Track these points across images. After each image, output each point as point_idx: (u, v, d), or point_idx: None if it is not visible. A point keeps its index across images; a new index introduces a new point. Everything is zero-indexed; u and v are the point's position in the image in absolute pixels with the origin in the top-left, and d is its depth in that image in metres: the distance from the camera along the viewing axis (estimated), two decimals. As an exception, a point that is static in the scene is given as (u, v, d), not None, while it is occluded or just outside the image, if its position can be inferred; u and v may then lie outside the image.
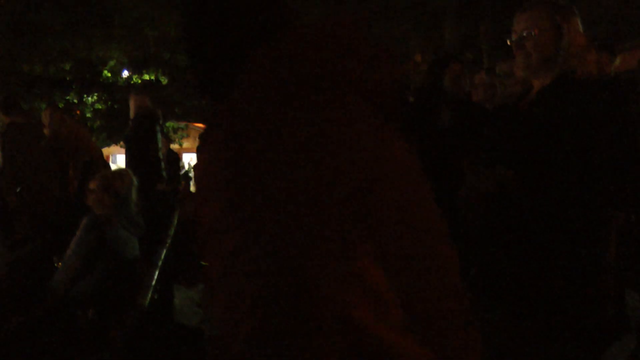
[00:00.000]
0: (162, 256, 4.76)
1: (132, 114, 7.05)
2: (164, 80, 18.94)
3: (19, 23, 16.09)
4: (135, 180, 4.59)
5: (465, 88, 4.43)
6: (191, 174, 17.52)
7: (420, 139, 4.13)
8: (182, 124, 21.30)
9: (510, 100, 2.49)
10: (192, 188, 11.37)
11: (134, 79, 18.70)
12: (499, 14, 15.90)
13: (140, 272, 4.23)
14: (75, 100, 18.08)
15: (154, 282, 3.54)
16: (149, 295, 3.23)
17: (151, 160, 6.79)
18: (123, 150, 16.22)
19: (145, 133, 6.87)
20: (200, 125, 22.42)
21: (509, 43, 2.26)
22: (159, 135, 7.11)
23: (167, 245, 5.29)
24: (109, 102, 18.51)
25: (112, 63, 18.24)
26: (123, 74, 18.82)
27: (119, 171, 4.52)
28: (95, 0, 16.13)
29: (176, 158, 9.96)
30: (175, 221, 6.52)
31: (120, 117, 17.35)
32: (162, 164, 6.93)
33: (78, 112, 17.48)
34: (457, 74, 4.28)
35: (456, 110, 4.15)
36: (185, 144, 22.19)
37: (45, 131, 6.41)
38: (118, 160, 24.20)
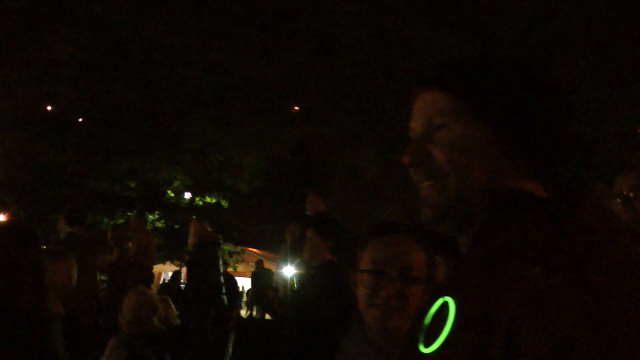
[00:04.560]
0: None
1: (191, 238, 7.16)
2: (225, 205, 19.34)
3: (92, 142, 16.84)
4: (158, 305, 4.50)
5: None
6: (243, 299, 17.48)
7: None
8: (238, 249, 21.47)
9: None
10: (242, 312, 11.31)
11: (196, 201, 19.14)
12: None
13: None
14: (137, 218, 18.52)
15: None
16: None
17: (212, 285, 6.83)
18: (175, 268, 16.26)
19: (207, 259, 6.96)
20: (256, 250, 22.55)
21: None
22: (220, 261, 7.20)
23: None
24: (169, 222, 18.89)
25: (175, 184, 18.78)
26: (185, 195, 19.31)
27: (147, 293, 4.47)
28: (165, 125, 16.87)
29: (234, 282, 9.98)
30: (231, 350, 6.45)
31: (178, 237, 17.66)
32: (223, 288, 6.96)
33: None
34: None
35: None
36: (240, 269, 22.26)
37: (114, 247, 6.57)
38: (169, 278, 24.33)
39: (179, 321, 5.27)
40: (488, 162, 1.12)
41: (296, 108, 16.80)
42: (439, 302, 1.15)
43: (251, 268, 17.66)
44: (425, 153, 1.15)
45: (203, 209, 18.43)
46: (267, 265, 17.52)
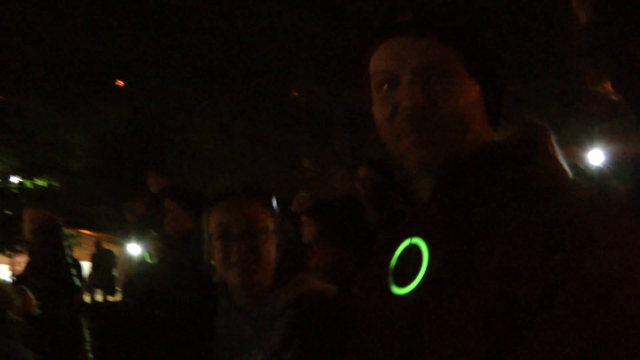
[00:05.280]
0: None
1: (28, 226, 6.74)
2: (57, 186, 18.42)
3: None
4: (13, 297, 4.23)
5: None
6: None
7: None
8: (73, 232, 20.60)
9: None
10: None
11: (26, 185, 18.08)
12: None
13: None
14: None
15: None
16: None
17: (60, 270, 6.50)
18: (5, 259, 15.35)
19: (51, 244, 6.60)
20: (91, 232, 21.73)
21: None
22: (65, 243, 6.88)
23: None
24: (-3, 209, 17.75)
25: (1, 168, 17.63)
26: (13, 179, 18.20)
27: None
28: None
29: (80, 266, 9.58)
30: (88, 336, 6.19)
31: (9, 225, 16.60)
32: (73, 270, 6.65)
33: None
34: (364, 176, 4.50)
35: (380, 211, 4.25)
36: (76, 253, 21.34)
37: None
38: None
39: (38, 311, 4.97)
40: (479, 114, 1.14)
41: (121, 83, 16.22)
42: (404, 244, 1.17)
43: (87, 251, 17.01)
44: (429, 99, 1.11)
45: (34, 192, 17.48)
46: (106, 247, 16.95)
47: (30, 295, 4.84)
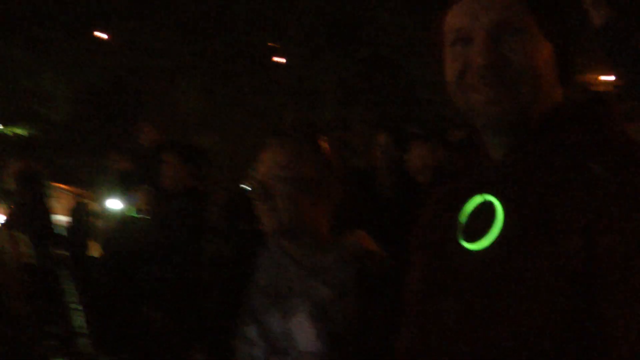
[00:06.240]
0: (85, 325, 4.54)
1: (11, 175, 6.72)
2: (38, 136, 18.12)
3: None
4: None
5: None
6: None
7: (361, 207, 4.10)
8: (52, 185, 20.36)
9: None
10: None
11: (5, 131, 17.73)
12: (372, 100, 16.61)
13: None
14: None
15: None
16: None
17: (43, 222, 6.43)
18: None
19: (33, 195, 6.58)
20: (67, 187, 21.55)
21: None
22: (47, 194, 6.86)
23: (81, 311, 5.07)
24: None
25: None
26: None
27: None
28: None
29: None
30: (66, 286, 6.11)
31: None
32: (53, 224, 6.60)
33: None
34: (384, 143, 4.44)
35: (397, 179, 4.30)
36: (54, 206, 21.13)
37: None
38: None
39: (32, 260, 4.91)
40: (551, 73, 1.14)
41: (105, 36, 15.87)
42: (474, 201, 1.18)
43: (65, 205, 16.81)
44: (502, 56, 1.11)
45: (14, 140, 17.21)
46: (84, 201, 16.76)
47: (24, 241, 4.79)
